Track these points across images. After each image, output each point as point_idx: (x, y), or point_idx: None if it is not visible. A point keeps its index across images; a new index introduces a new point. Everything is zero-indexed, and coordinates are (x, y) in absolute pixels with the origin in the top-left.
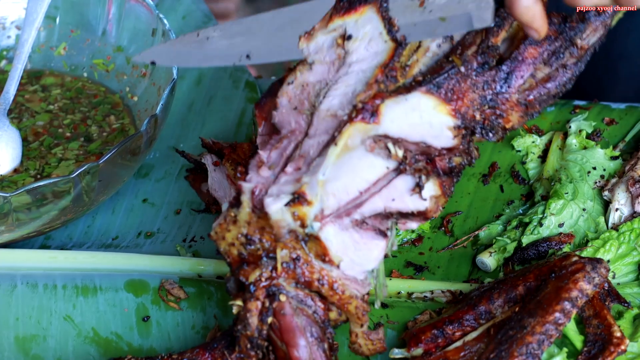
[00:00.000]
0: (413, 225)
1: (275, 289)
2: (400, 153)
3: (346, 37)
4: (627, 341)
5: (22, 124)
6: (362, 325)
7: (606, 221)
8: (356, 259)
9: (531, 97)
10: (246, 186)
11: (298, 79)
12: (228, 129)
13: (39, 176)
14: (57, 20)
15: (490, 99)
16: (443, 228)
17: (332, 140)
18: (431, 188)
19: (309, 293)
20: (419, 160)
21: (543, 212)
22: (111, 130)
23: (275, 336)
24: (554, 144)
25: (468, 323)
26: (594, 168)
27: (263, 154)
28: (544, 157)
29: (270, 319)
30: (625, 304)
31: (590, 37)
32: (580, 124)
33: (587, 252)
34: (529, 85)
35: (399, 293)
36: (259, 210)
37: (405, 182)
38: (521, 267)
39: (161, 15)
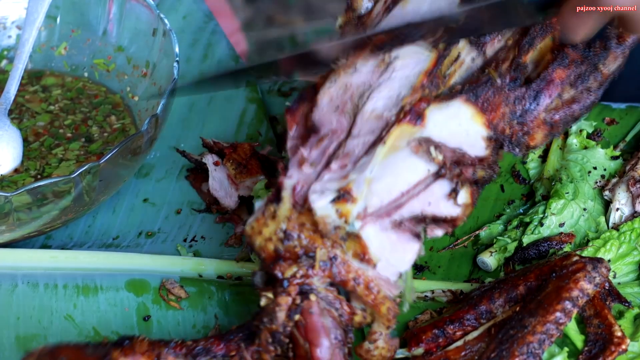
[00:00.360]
0: (439, 232)
1: (308, 287)
2: (441, 157)
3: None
4: (628, 341)
5: (22, 124)
6: (388, 328)
7: (607, 221)
8: (392, 260)
9: (557, 117)
10: (288, 182)
11: (341, 79)
12: (229, 129)
13: (39, 176)
14: (58, 20)
15: (520, 114)
16: None
17: (379, 140)
18: (464, 195)
19: (338, 296)
20: (454, 167)
21: (544, 212)
22: (112, 131)
23: (299, 334)
24: (554, 144)
25: (469, 323)
26: (595, 168)
27: (304, 151)
28: (544, 156)
29: (297, 316)
30: (626, 304)
31: (610, 64)
32: (580, 124)
33: (587, 252)
34: (556, 105)
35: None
36: (301, 206)
37: (442, 187)
38: (522, 267)
39: (162, 15)
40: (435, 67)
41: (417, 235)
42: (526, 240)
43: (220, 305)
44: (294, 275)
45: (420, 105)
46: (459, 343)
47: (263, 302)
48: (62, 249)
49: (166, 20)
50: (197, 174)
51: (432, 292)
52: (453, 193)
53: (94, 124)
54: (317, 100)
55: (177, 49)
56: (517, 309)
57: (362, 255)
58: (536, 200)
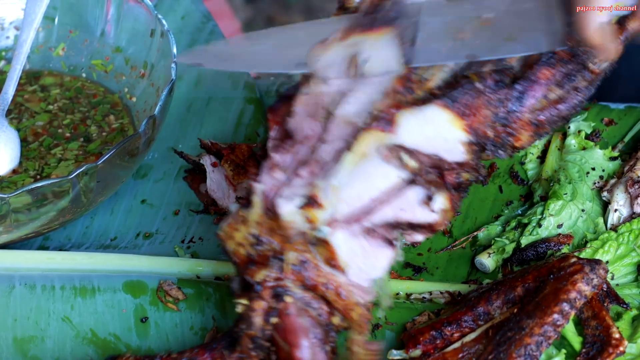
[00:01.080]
0: (419, 237)
1: (282, 289)
2: (414, 164)
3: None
4: (626, 342)
5: (21, 124)
6: (363, 334)
7: (605, 222)
8: (363, 266)
9: (542, 117)
10: (258, 187)
11: (313, 88)
12: (227, 130)
13: (38, 177)
14: (56, 20)
15: (503, 116)
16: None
17: (347, 147)
18: (441, 201)
19: (315, 296)
20: (429, 173)
21: (542, 213)
22: (110, 130)
23: (279, 337)
24: (552, 145)
25: (466, 324)
26: (593, 169)
27: (276, 156)
28: (542, 157)
29: (274, 319)
30: (624, 305)
31: (601, 62)
32: (579, 125)
33: (585, 253)
34: (541, 105)
35: (397, 294)
36: (270, 211)
37: (416, 193)
38: (520, 268)
39: (160, 16)
40: (410, 72)
41: (389, 242)
42: (524, 241)
43: (217, 306)
44: (266, 279)
45: (390, 110)
46: (457, 345)
47: (239, 308)
48: (60, 250)
49: (164, 21)
50: (195, 175)
51: (430, 293)
52: (427, 200)
53: (93, 123)
54: (292, 110)
55: (175, 50)
56: (515, 310)
57: (332, 261)
58: (534, 201)
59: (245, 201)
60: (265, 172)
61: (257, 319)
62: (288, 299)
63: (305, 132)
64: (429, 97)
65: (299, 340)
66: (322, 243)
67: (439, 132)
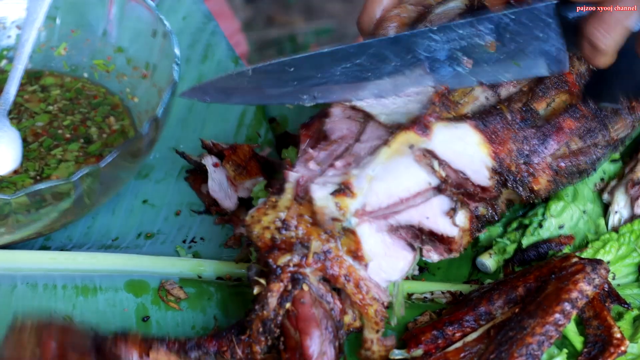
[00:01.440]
0: (435, 256)
1: (300, 277)
2: (443, 173)
3: None
4: (627, 342)
5: (21, 124)
6: (378, 332)
7: (606, 223)
8: (383, 264)
9: (562, 164)
10: (292, 175)
11: None
12: (228, 130)
13: (38, 177)
14: (58, 20)
15: (527, 154)
16: None
17: (384, 144)
18: (462, 219)
19: (330, 290)
20: (455, 189)
21: (543, 214)
22: (111, 132)
23: (290, 324)
24: None
25: (468, 324)
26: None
27: (311, 151)
28: None
29: (288, 305)
30: (625, 305)
31: (619, 130)
32: None
33: (587, 253)
34: (563, 152)
35: None
36: (302, 198)
37: (442, 202)
38: (521, 269)
39: (162, 16)
40: (447, 90)
41: (411, 246)
42: (525, 242)
43: (219, 306)
44: (287, 264)
45: (428, 118)
46: (458, 344)
47: (256, 290)
48: (62, 250)
49: (166, 21)
50: (197, 175)
51: (432, 293)
52: (452, 211)
53: (93, 124)
54: (329, 112)
55: (177, 51)
56: (517, 310)
57: (355, 252)
58: (535, 202)
59: (277, 189)
60: (300, 163)
61: (272, 300)
62: (305, 287)
63: (342, 132)
64: (463, 118)
65: (311, 329)
66: (349, 233)
67: (468, 150)
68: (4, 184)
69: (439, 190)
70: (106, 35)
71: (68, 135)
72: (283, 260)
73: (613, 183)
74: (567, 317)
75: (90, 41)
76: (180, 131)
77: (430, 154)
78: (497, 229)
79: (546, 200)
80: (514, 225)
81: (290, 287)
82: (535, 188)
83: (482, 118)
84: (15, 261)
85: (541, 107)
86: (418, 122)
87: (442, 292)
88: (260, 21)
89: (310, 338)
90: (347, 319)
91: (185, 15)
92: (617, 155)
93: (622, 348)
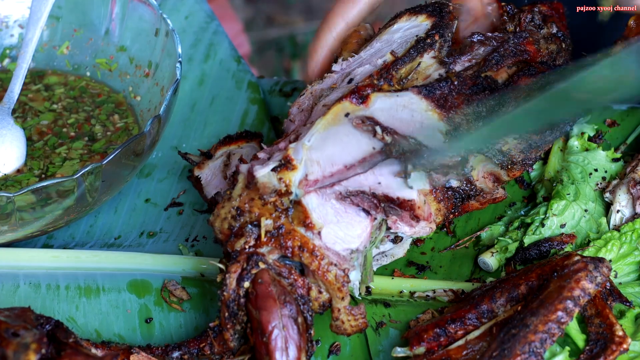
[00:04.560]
0: (404, 227)
1: (257, 257)
2: (388, 138)
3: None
4: (629, 340)
5: (26, 123)
6: (343, 299)
7: (608, 222)
8: (339, 232)
9: None
10: (243, 167)
11: (309, 89)
12: (230, 129)
13: (43, 176)
14: (61, 19)
15: (485, 115)
16: (445, 229)
17: (321, 115)
18: (419, 181)
19: (288, 266)
20: (410, 155)
21: (545, 213)
22: (115, 129)
23: (252, 305)
24: (555, 146)
25: (470, 322)
26: (596, 170)
27: (267, 147)
28: (545, 159)
29: (247, 284)
30: (627, 303)
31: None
32: (582, 126)
33: (588, 252)
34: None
35: (401, 292)
36: (250, 183)
37: (391, 165)
38: (523, 267)
39: (164, 15)
40: (392, 66)
41: (366, 212)
42: (527, 240)
43: None
44: (243, 247)
45: (365, 88)
46: (461, 342)
47: (218, 278)
48: (64, 248)
49: (169, 21)
50: None
51: (434, 291)
52: (402, 172)
53: (97, 122)
54: (288, 112)
55: (179, 49)
56: (519, 308)
57: (305, 222)
58: (537, 201)
59: (231, 183)
60: (252, 159)
61: (231, 281)
62: (262, 265)
63: (295, 125)
64: (406, 87)
65: (269, 305)
66: (297, 206)
67: (416, 117)
68: (9, 182)
69: (385, 154)
70: (109, 34)
71: (73, 134)
72: (239, 243)
73: (615, 182)
74: (570, 314)
75: (92, 40)
76: (182, 130)
77: (370, 120)
78: (499, 227)
79: (548, 200)
80: (516, 224)
81: (247, 267)
82: (504, 149)
83: (426, 86)
84: (18, 259)
85: (500, 76)
86: (352, 92)
87: (445, 291)
88: (260, 21)
89: (269, 313)
90: (314, 294)
91: (187, 15)
92: (618, 155)
93: (624, 346)
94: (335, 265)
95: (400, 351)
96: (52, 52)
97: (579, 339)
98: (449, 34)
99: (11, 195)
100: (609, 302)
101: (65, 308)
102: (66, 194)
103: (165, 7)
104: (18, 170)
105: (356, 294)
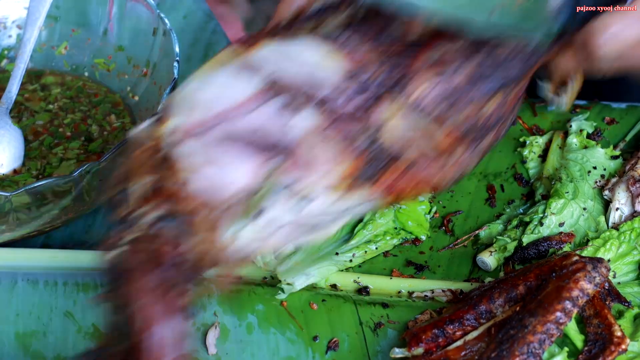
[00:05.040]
0: (302, 176)
1: (128, 222)
2: (274, 78)
3: None
4: (628, 340)
5: (21, 123)
6: (214, 244)
7: (606, 221)
8: (215, 175)
9: (443, 61)
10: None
11: None
12: None
13: (40, 176)
14: (59, 19)
15: (394, 56)
16: (443, 227)
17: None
18: (308, 120)
19: (165, 229)
20: (303, 98)
21: (544, 212)
22: (112, 129)
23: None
24: (554, 143)
25: (469, 322)
26: (595, 167)
27: None
28: (544, 156)
29: (118, 251)
30: (626, 304)
31: None
32: (580, 124)
33: (587, 252)
34: (443, 52)
35: (399, 292)
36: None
37: (276, 105)
38: (521, 267)
39: (162, 15)
40: (304, 19)
41: (247, 152)
42: (526, 239)
43: (219, 303)
44: (120, 213)
45: (257, 36)
46: (459, 343)
47: None
48: (63, 248)
49: (166, 20)
50: None
51: (432, 291)
52: (287, 106)
53: (94, 122)
54: None
55: (177, 49)
56: (517, 308)
57: (177, 168)
58: (536, 199)
59: None
60: None
61: (104, 253)
62: (134, 229)
63: None
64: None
65: (132, 274)
66: (169, 155)
67: (314, 61)
68: (6, 183)
69: (271, 95)
70: (107, 34)
71: (69, 134)
72: (116, 214)
73: (614, 180)
74: (568, 315)
75: (91, 40)
76: None
77: (257, 63)
78: (497, 226)
79: (547, 198)
80: (514, 222)
81: (121, 235)
82: (419, 91)
83: (329, 33)
84: (16, 259)
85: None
86: (241, 38)
87: (443, 290)
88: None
89: (133, 282)
90: (185, 247)
91: (186, 14)
92: (617, 152)
93: (623, 346)
94: (206, 207)
95: (398, 352)
96: (50, 53)
97: (578, 339)
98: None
99: (8, 194)
100: (607, 302)
101: (62, 303)
102: (63, 194)
103: (162, 7)
104: (15, 171)
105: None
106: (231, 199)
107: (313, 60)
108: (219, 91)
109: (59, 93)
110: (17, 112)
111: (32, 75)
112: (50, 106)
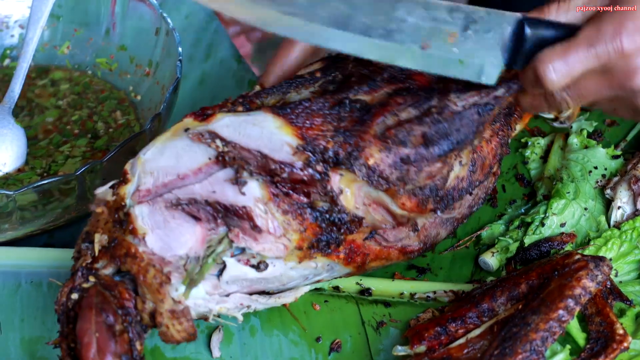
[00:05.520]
0: (249, 241)
1: (88, 271)
2: (224, 148)
3: None
4: (630, 338)
5: (33, 121)
6: (163, 301)
7: (608, 220)
8: (165, 237)
9: (393, 131)
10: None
11: None
12: None
13: (45, 174)
14: (61, 19)
15: (346, 132)
16: None
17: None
18: (256, 189)
19: (119, 281)
20: (254, 169)
21: (545, 212)
22: (117, 126)
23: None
24: (555, 144)
25: (471, 320)
26: (595, 167)
27: None
28: (545, 157)
29: (75, 296)
30: (628, 302)
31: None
32: (581, 124)
33: (589, 251)
34: (393, 122)
35: (401, 294)
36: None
37: (226, 174)
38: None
39: (164, 14)
40: (255, 96)
41: (196, 218)
42: (528, 240)
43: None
44: (81, 265)
45: (211, 108)
46: (462, 340)
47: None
48: (65, 247)
49: (169, 20)
50: None
51: (434, 292)
52: (234, 179)
53: (100, 119)
54: None
55: (179, 48)
56: (520, 306)
57: (130, 228)
58: (537, 200)
59: None
60: None
61: (61, 296)
62: (92, 279)
63: None
64: (259, 107)
65: (85, 313)
66: (127, 216)
67: (265, 134)
68: (11, 181)
69: (221, 163)
70: (109, 33)
71: (76, 131)
72: (78, 263)
73: (615, 179)
74: (571, 313)
75: (93, 40)
76: None
77: (210, 134)
78: (499, 227)
79: (548, 198)
80: (516, 223)
81: (77, 282)
82: (371, 163)
83: (282, 106)
84: (19, 258)
85: (373, 98)
86: (197, 112)
87: (445, 292)
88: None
89: (84, 321)
90: (140, 305)
91: (188, 14)
92: (618, 152)
93: (625, 344)
94: (155, 266)
95: (401, 350)
96: (52, 52)
97: (580, 337)
98: (338, 75)
99: (11, 193)
100: (609, 301)
101: None
102: (67, 192)
103: (165, 7)
104: (19, 170)
105: (178, 291)
106: (178, 261)
107: (265, 133)
108: (175, 160)
109: (67, 89)
110: (29, 110)
111: (40, 71)
112: (60, 102)
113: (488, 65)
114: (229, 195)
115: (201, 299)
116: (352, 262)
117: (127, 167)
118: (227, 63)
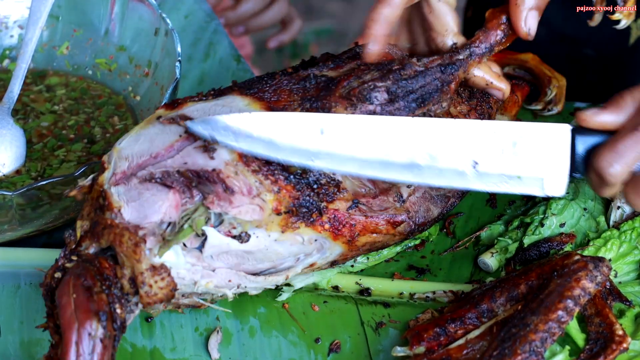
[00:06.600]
0: (225, 205)
1: (72, 253)
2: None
3: None
4: (629, 339)
5: (27, 125)
6: (139, 261)
7: (607, 220)
8: (139, 208)
9: (357, 88)
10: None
11: None
12: None
13: (39, 178)
14: (60, 19)
15: (310, 97)
16: (445, 230)
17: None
18: (225, 154)
19: (100, 256)
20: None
21: (544, 212)
22: (114, 131)
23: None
24: None
25: (470, 321)
26: None
27: None
28: None
29: (58, 274)
30: (627, 303)
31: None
32: None
33: (588, 251)
34: (357, 83)
35: (401, 294)
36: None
37: (197, 144)
38: (523, 267)
39: (164, 15)
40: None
41: (167, 186)
42: (527, 241)
43: (222, 307)
44: (69, 250)
45: (184, 99)
46: (461, 341)
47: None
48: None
49: (168, 20)
50: None
51: (434, 293)
52: (204, 145)
53: (97, 124)
54: None
55: (179, 49)
56: (519, 307)
57: (107, 204)
58: (536, 200)
59: None
60: None
61: (47, 276)
62: (73, 258)
63: None
64: (227, 91)
65: (63, 289)
66: (104, 198)
67: (234, 110)
68: (4, 184)
69: (193, 138)
70: (108, 34)
71: (72, 136)
72: (67, 250)
73: None
74: (570, 314)
75: (92, 40)
76: None
77: (181, 117)
78: (498, 227)
79: (547, 198)
80: (516, 223)
81: (63, 262)
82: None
83: (248, 85)
84: (18, 259)
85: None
86: (168, 102)
87: (444, 292)
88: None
89: (62, 287)
90: (119, 273)
91: (187, 14)
92: None
93: (624, 345)
94: (129, 230)
95: (400, 350)
96: (52, 52)
97: (579, 338)
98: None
99: (10, 194)
100: (608, 302)
101: None
102: (62, 196)
103: (164, 7)
104: (17, 172)
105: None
106: (154, 227)
107: (234, 111)
108: (148, 143)
109: (63, 94)
110: (24, 114)
111: (36, 76)
112: (56, 107)
113: (549, 178)
114: (200, 161)
115: (184, 268)
116: (339, 234)
117: (104, 158)
118: (227, 63)
